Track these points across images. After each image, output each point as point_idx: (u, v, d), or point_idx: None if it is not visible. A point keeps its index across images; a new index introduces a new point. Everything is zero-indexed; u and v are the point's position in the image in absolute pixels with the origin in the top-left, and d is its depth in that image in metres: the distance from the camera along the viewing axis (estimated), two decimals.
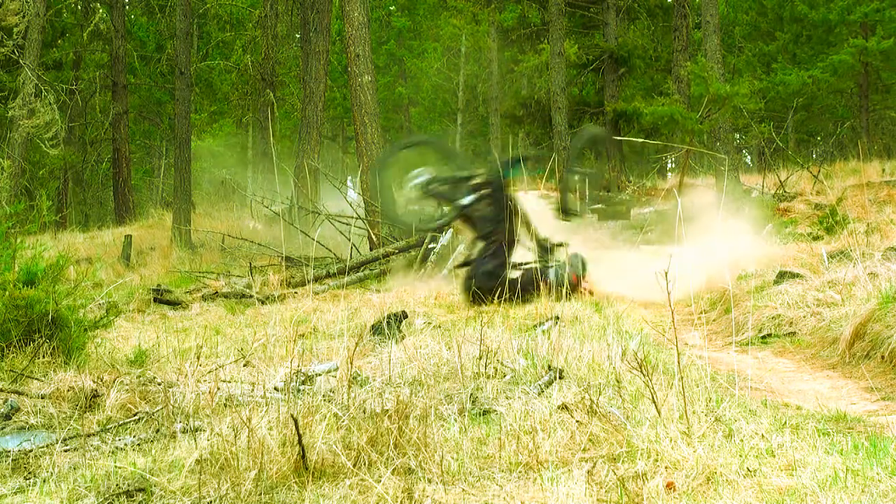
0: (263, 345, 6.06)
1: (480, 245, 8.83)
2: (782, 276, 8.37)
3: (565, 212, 9.49)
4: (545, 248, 9.08)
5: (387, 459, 3.28)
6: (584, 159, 21.09)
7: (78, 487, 3.26)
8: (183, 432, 3.76)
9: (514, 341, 5.22)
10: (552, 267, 8.76)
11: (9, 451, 3.77)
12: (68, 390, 4.62)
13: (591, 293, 8.91)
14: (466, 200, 8.82)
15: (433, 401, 3.95)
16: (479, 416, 3.96)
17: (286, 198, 17.55)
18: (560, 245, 9.16)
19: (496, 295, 7.47)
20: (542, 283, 8.11)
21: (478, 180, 8.99)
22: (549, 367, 4.55)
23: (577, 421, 3.56)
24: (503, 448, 3.43)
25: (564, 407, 3.75)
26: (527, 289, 8.34)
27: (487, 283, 8.25)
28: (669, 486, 3.06)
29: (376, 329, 6.35)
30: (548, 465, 3.31)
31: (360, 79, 13.97)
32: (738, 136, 25.66)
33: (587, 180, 9.83)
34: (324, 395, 4.05)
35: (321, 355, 5.46)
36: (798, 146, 26.64)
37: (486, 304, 7.89)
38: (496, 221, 8.70)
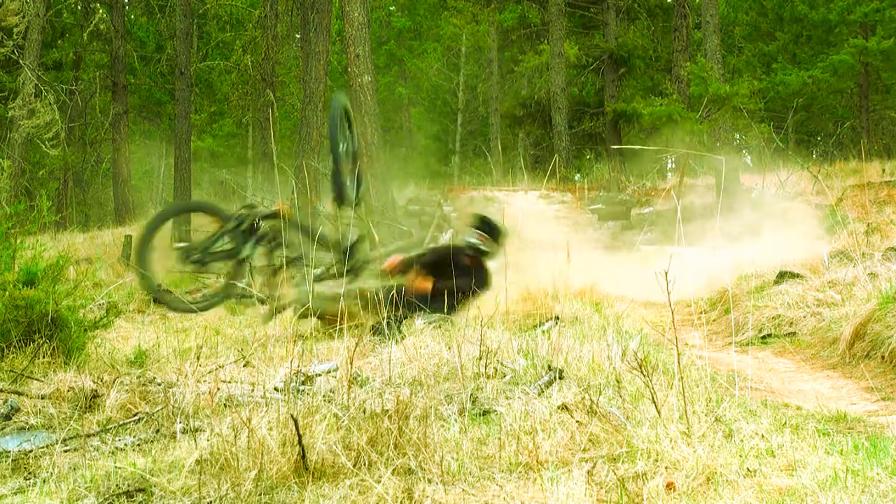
0: (263, 345, 6.06)
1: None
2: (782, 276, 8.37)
3: (341, 199, 7.92)
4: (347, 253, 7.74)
5: (387, 460, 3.28)
6: (583, 159, 21.10)
7: (78, 488, 3.26)
8: (183, 432, 3.76)
9: (514, 341, 5.22)
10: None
11: (9, 452, 3.77)
12: (68, 390, 4.62)
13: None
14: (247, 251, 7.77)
15: (433, 401, 3.95)
16: (479, 416, 3.96)
17: (286, 198, 17.54)
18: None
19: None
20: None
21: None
22: (549, 367, 4.54)
23: (577, 421, 3.56)
24: (503, 448, 3.43)
25: (564, 407, 3.75)
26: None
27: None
28: (669, 486, 3.06)
29: (376, 329, 6.34)
30: (548, 465, 3.31)
31: (360, 79, 13.97)
32: (738, 136, 25.67)
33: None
34: (324, 396, 4.05)
35: (321, 355, 5.46)
36: (798, 146, 26.63)
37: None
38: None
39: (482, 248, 7.46)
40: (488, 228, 7.54)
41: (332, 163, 7.86)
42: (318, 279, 7.49)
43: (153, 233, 8.20)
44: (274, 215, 7.74)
